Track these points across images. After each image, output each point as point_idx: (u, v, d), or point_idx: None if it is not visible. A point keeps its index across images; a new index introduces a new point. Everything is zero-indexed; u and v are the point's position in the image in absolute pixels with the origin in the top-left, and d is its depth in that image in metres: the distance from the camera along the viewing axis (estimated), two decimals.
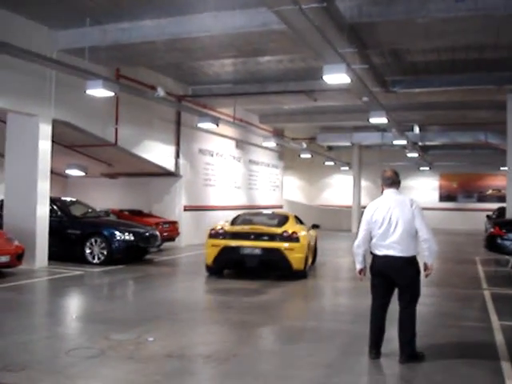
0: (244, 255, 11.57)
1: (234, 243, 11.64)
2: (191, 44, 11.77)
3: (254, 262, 11.59)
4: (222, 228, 12.04)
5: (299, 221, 13.35)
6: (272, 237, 11.68)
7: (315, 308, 9.56)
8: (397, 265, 5.92)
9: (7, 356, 5.88)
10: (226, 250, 11.63)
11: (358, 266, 6.20)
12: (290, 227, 12.03)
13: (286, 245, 11.50)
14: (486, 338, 7.11)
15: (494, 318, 8.22)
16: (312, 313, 9.07)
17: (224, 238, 11.78)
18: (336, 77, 10.67)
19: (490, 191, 33.01)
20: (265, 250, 11.52)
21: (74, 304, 9.62)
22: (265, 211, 16.56)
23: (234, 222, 12.67)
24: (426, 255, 5.95)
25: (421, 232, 5.88)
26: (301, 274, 11.82)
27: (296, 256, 11.54)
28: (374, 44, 12.18)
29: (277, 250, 11.49)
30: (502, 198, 30.95)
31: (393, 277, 5.96)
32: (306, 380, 5.40)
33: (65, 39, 12.33)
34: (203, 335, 7.09)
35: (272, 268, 12.00)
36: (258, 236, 11.69)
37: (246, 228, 12.06)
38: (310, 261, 12.66)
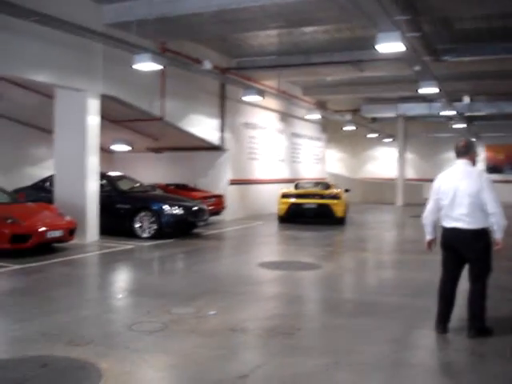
0: (305, 209, 17.18)
1: (298, 201, 17.28)
2: (239, 15, 11.53)
3: (312, 213, 17.23)
4: (289, 191, 17.86)
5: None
6: (322, 196, 17.39)
7: (372, 281, 9.44)
8: (465, 237, 5.73)
9: (71, 331, 5.90)
10: (293, 206, 17.21)
11: (427, 237, 6.05)
12: (333, 190, 17.98)
13: (332, 201, 17.11)
14: None
15: None
16: (370, 287, 8.95)
17: (291, 197, 17.39)
18: (390, 45, 10.37)
19: None
20: (318, 204, 17.10)
21: (128, 278, 9.65)
22: (313, 181, 21.07)
23: (296, 187, 18.72)
24: (495, 229, 5.72)
25: (488, 205, 5.64)
26: (342, 220, 17.34)
27: (338, 208, 17.10)
28: (425, 11, 11.79)
29: (326, 205, 17.07)
30: None
31: (461, 250, 5.78)
32: (375, 354, 5.27)
33: (111, 13, 12.22)
34: (263, 309, 7.02)
35: (323, 216, 17.11)
36: (314, 196, 17.42)
37: (306, 191, 18.07)
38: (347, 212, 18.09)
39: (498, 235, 5.73)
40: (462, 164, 5.91)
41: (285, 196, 17.47)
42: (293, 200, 17.27)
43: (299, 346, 5.51)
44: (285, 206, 17.26)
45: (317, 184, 19.45)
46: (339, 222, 17.15)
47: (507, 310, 7.01)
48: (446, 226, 5.84)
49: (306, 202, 17.20)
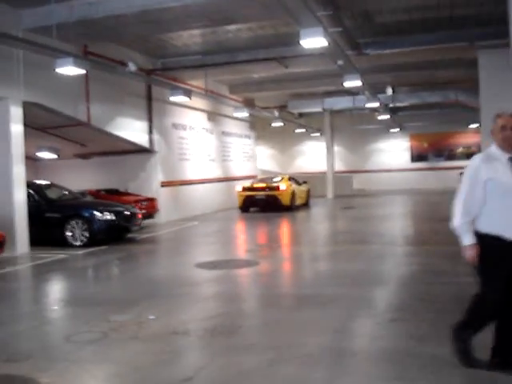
0: (257, 199, 21.04)
1: (251, 193, 21.09)
2: (162, 15, 11.46)
3: (262, 203, 20.94)
4: (244, 186, 21.45)
5: (294, 180, 22.72)
6: (271, 188, 20.96)
7: (308, 275, 9.54)
8: None
9: (8, 346, 5.73)
10: (247, 197, 21.09)
11: None
12: (281, 183, 21.28)
13: (277, 192, 20.77)
14: None
15: None
16: (307, 280, 9.04)
17: (246, 190, 21.23)
18: (313, 41, 10.54)
19: (460, 149, 33.31)
20: (267, 195, 20.84)
21: (63, 288, 9.41)
22: (270, 176, 24.32)
23: (252, 182, 22.23)
24: None
25: None
26: (289, 208, 20.73)
27: (284, 198, 20.75)
28: (346, 6, 12.05)
29: (273, 195, 20.77)
30: (471, 156, 31.26)
31: None
32: (317, 346, 5.34)
33: (30, 18, 11.89)
34: (203, 310, 6.99)
35: (272, 205, 20.56)
36: (263, 189, 21.14)
37: (257, 184, 21.68)
38: (297, 202, 21.73)
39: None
40: None
41: (242, 189, 21.34)
42: (247, 193, 21.04)
43: (242, 344, 5.52)
44: (241, 198, 21.21)
45: (271, 178, 22.58)
46: (286, 209, 20.62)
47: (442, 293, 7.23)
48: None
49: (256, 194, 20.98)
